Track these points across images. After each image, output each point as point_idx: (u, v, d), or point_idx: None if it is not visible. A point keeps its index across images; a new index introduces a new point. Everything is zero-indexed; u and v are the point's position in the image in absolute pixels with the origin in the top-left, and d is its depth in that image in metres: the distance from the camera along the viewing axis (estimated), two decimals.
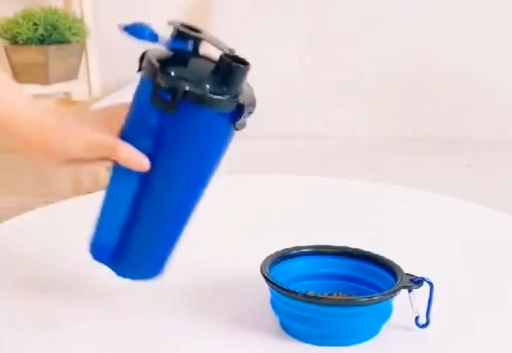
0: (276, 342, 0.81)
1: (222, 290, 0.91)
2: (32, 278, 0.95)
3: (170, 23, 0.77)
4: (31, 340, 0.82)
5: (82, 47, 2.33)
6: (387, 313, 0.81)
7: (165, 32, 0.79)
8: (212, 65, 0.77)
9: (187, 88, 0.74)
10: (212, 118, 0.76)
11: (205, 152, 0.79)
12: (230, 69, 0.75)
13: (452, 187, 1.71)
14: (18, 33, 2.21)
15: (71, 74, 2.33)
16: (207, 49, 0.80)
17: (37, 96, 2.14)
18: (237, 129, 0.78)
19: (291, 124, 2.23)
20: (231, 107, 0.76)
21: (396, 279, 0.81)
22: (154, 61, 0.76)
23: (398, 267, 0.83)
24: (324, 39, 2.31)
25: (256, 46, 2.24)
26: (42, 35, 2.21)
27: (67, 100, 2.38)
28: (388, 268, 0.84)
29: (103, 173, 1.84)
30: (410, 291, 0.81)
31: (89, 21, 2.36)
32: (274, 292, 0.81)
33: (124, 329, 0.84)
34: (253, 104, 0.78)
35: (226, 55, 0.75)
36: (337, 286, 0.87)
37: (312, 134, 2.24)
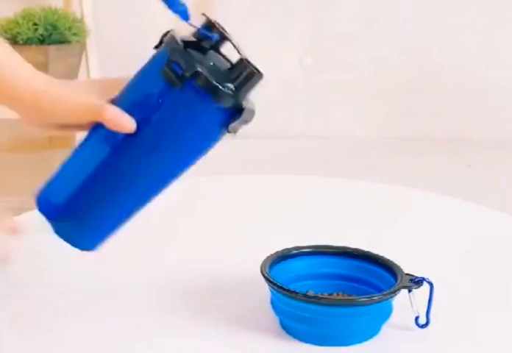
0: (276, 342, 0.81)
1: (222, 290, 0.91)
2: (31, 278, 0.95)
3: (203, 14, 0.79)
4: (31, 340, 0.82)
5: (82, 47, 2.33)
6: (387, 313, 0.81)
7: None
8: (228, 65, 0.77)
9: (200, 70, 0.74)
10: (211, 108, 0.76)
11: (189, 139, 0.78)
12: (246, 71, 0.76)
13: (452, 187, 1.71)
14: (18, 33, 2.21)
15: (71, 74, 2.33)
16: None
17: None
18: (228, 131, 0.77)
19: (291, 124, 2.23)
20: (232, 106, 0.76)
21: (396, 279, 0.81)
22: (178, 39, 0.77)
23: (398, 267, 0.83)
24: (324, 39, 2.31)
25: (256, 46, 2.25)
26: (42, 35, 2.21)
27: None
28: (388, 268, 0.84)
29: None
30: (410, 291, 0.81)
31: (89, 21, 2.36)
32: (274, 292, 0.81)
33: (124, 329, 0.84)
34: (251, 115, 0.78)
35: (246, 59, 0.76)
36: (337, 286, 0.87)
37: (312, 134, 2.24)
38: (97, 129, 0.79)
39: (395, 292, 0.80)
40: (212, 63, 0.77)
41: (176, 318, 0.85)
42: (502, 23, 2.27)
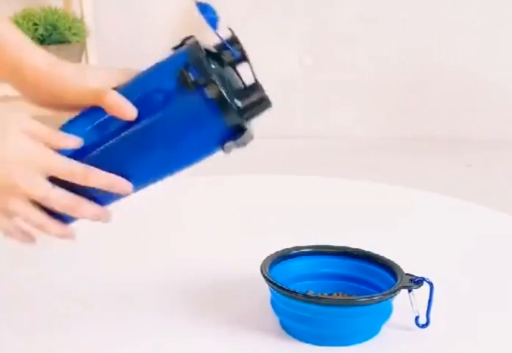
0: (276, 342, 0.81)
1: (222, 290, 0.91)
2: (32, 278, 0.95)
3: (230, 29, 0.79)
4: (31, 340, 0.82)
5: (82, 47, 2.33)
6: (387, 313, 0.81)
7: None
8: (241, 84, 0.78)
9: (215, 80, 0.74)
10: (214, 121, 0.76)
11: (182, 144, 0.78)
12: (258, 95, 0.77)
13: (452, 187, 1.72)
14: None
15: None
16: None
17: None
18: (222, 149, 0.77)
19: (291, 124, 2.23)
20: (234, 125, 0.76)
21: (396, 279, 0.81)
22: (201, 46, 0.77)
23: (398, 267, 0.83)
24: (324, 39, 2.32)
25: (256, 46, 2.24)
26: (42, 35, 2.21)
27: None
28: (388, 268, 0.84)
29: None
30: (410, 291, 0.81)
31: (89, 21, 2.36)
32: (274, 292, 0.81)
33: (124, 329, 0.84)
34: (249, 139, 0.78)
35: (260, 84, 0.77)
36: (337, 286, 0.87)
37: (312, 134, 2.24)
38: (95, 112, 0.78)
39: (395, 292, 0.80)
40: (227, 78, 0.77)
41: (176, 318, 0.85)
42: (502, 23, 2.27)
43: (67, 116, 0.82)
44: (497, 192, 1.79)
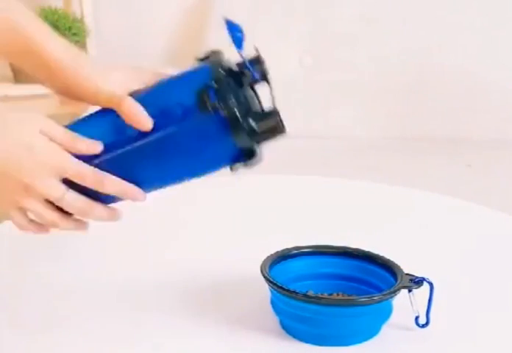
0: (276, 342, 0.81)
1: (222, 290, 0.91)
2: (32, 278, 0.95)
3: (256, 49, 0.80)
4: (31, 340, 0.82)
5: (82, 47, 2.33)
6: (387, 313, 0.81)
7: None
8: (258, 106, 0.79)
9: (232, 106, 0.75)
10: (226, 142, 0.77)
11: (191, 159, 0.79)
12: (274, 121, 0.78)
13: (452, 187, 1.71)
14: None
15: None
16: None
17: (37, 96, 2.14)
18: (231, 169, 0.79)
19: (291, 124, 2.22)
20: (245, 148, 0.77)
21: (396, 279, 0.81)
22: (224, 65, 0.78)
23: (398, 267, 0.83)
24: (324, 39, 2.31)
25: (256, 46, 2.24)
26: None
27: (67, 100, 2.37)
28: (388, 268, 0.84)
29: None
30: (410, 291, 0.81)
31: (89, 21, 2.36)
32: (274, 292, 0.81)
33: (124, 328, 0.84)
34: (257, 163, 0.79)
35: (278, 111, 0.79)
36: (337, 286, 0.87)
37: (312, 134, 2.24)
38: (110, 115, 0.79)
39: (395, 292, 0.80)
40: (245, 99, 0.78)
41: (176, 318, 0.86)
42: (502, 23, 2.27)
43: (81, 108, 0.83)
44: (497, 192, 1.79)
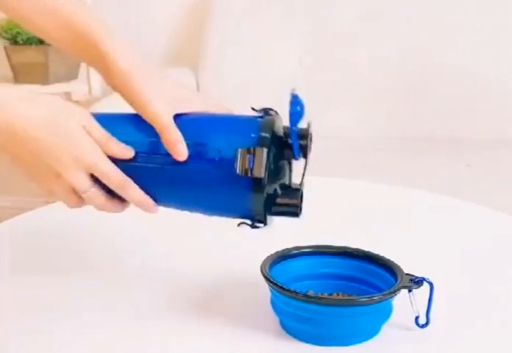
0: (276, 342, 0.81)
1: (222, 290, 0.91)
2: (32, 278, 0.94)
3: (309, 123, 0.85)
4: (31, 340, 0.82)
5: None
6: (387, 313, 0.81)
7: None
8: (287, 177, 0.84)
9: (264, 181, 0.79)
10: (243, 201, 0.81)
11: (209, 200, 0.83)
12: (293, 201, 0.83)
13: (452, 187, 1.71)
14: (18, 33, 2.21)
15: (71, 74, 2.33)
16: None
17: None
18: (238, 224, 0.83)
19: None
20: (258, 214, 0.81)
21: (396, 279, 0.81)
22: (276, 129, 0.82)
23: (398, 267, 0.83)
24: (324, 39, 2.31)
25: (256, 46, 2.24)
26: None
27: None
28: (388, 268, 0.84)
29: None
30: (410, 291, 0.81)
31: None
32: (274, 292, 0.81)
33: (125, 329, 0.84)
34: (260, 228, 0.83)
35: (302, 192, 0.83)
36: (337, 286, 0.87)
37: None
38: (147, 130, 0.82)
39: (395, 292, 0.80)
40: (277, 171, 0.82)
41: (176, 318, 0.85)
42: (502, 23, 2.27)
43: None
44: (497, 192, 1.78)
